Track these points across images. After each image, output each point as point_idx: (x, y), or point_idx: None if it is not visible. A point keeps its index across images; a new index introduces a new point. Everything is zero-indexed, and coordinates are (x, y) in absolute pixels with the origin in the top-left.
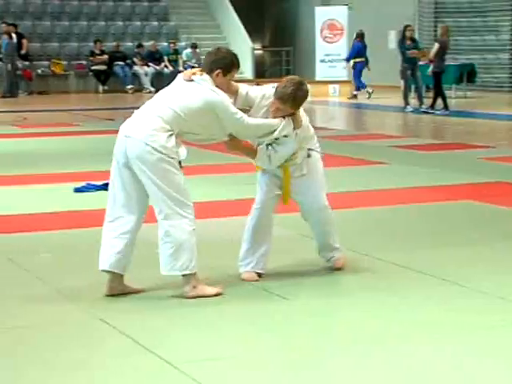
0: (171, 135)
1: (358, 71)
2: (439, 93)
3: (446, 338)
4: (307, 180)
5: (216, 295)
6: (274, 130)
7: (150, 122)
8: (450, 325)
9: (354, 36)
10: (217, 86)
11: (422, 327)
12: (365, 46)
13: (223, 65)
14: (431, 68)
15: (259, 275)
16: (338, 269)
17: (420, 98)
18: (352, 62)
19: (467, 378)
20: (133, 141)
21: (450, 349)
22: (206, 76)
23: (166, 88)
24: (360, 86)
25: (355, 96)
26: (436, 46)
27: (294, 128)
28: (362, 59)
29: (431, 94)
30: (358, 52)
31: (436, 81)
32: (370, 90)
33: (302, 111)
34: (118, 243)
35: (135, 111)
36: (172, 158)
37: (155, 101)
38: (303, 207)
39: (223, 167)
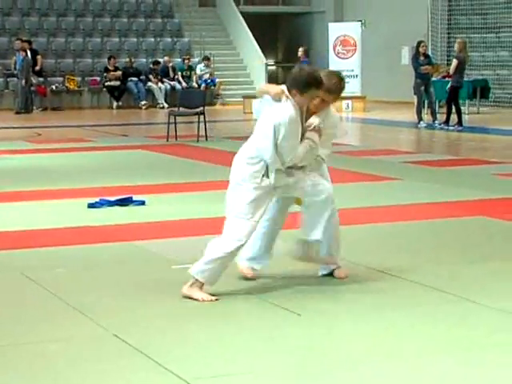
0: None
1: None
2: (456, 108)
3: (462, 356)
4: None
5: (202, 300)
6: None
7: None
8: (465, 342)
9: (301, 53)
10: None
11: (435, 343)
12: (309, 63)
13: (297, 85)
14: (450, 83)
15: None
16: (341, 278)
17: (433, 114)
18: None
19: None
20: None
21: (464, 366)
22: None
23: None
24: None
25: None
26: (455, 61)
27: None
28: None
29: (444, 110)
30: None
31: (454, 96)
32: None
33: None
34: None
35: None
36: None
37: None
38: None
39: None
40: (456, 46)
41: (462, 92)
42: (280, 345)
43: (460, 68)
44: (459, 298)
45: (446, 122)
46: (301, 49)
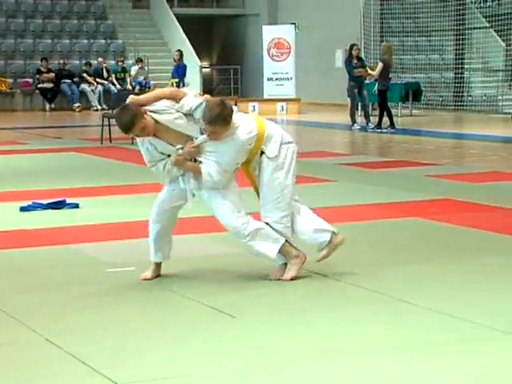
0: None
1: None
2: (385, 111)
3: (397, 356)
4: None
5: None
6: None
7: None
8: (400, 342)
9: (177, 56)
10: None
11: (369, 343)
12: (185, 67)
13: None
14: (376, 86)
15: None
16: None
17: (367, 116)
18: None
19: None
20: None
21: (398, 365)
22: None
23: None
24: None
25: None
26: (380, 65)
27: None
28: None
29: (377, 113)
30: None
31: (382, 99)
32: None
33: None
34: None
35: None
36: None
37: None
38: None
39: None
40: (381, 50)
41: (394, 94)
42: (215, 347)
43: (385, 71)
44: (392, 298)
45: (379, 124)
46: (176, 52)
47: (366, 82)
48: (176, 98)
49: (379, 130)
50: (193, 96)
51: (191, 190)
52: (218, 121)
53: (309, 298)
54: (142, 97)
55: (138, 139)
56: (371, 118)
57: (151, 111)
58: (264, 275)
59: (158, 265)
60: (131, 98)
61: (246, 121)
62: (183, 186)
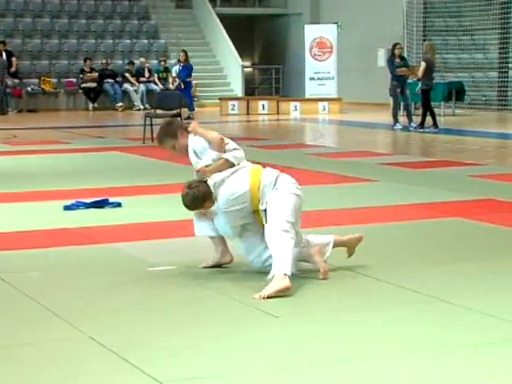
0: None
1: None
2: (428, 110)
3: (438, 356)
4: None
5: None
6: None
7: None
8: (441, 342)
9: (182, 57)
10: None
11: (409, 343)
12: (191, 68)
13: None
14: (420, 86)
15: None
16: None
17: (409, 116)
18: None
19: None
20: None
21: (439, 366)
22: None
23: None
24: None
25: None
26: (423, 64)
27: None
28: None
29: (420, 112)
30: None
31: (425, 98)
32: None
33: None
34: None
35: None
36: None
37: None
38: None
39: None
40: (424, 49)
41: (437, 94)
42: (255, 347)
43: (428, 71)
44: (432, 298)
45: (421, 124)
46: (182, 53)
47: (409, 81)
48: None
49: (422, 130)
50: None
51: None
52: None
53: (350, 297)
54: (210, 168)
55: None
56: (413, 117)
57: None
58: (303, 276)
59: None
60: (201, 169)
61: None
62: None
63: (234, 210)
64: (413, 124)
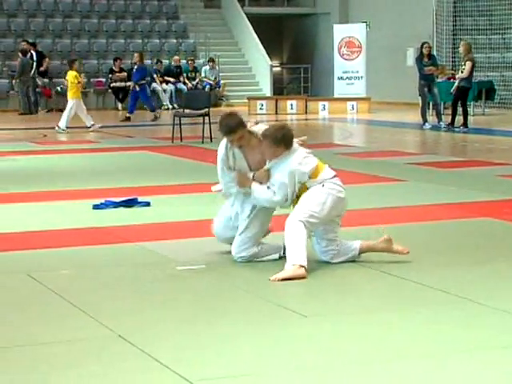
0: None
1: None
2: (463, 109)
3: (469, 357)
4: None
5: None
6: None
7: None
8: (472, 343)
9: (136, 58)
10: None
11: (440, 344)
12: (145, 69)
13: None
14: (457, 84)
15: None
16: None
17: (438, 115)
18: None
19: None
20: None
21: (470, 367)
22: None
23: None
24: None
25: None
26: (469, 63)
27: None
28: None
29: (449, 112)
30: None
31: (465, 97)
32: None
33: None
34: None
35: None
36: None
37: None
38: None
39: None
40: (463, 48)
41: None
42: (284, 346)
43: (473, 69)
44: (464, 300)
45: (452, 123)
46: (136, 54)
47: (438, 80)
48: None
49: (452, 129)
50: None
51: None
52: (281, 142)
53: (379, 298)
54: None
55: (224, 144)
56: (443, 116)
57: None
58: (335, 276)
59: None
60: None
61: (303, 155)
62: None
63: (295, 182)
64: (442, 123)
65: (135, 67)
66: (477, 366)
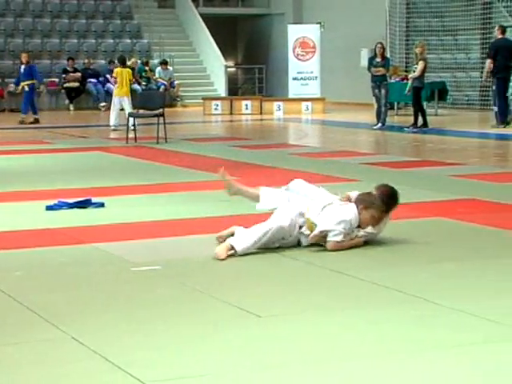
0: None
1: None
2: (419, 109)
3: (421, 356)
4: None
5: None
6: None
7: None
8: (424, 342)
9: (26, 59)
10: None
11: (394, 343)
12: (35, 68)
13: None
14: (410, 85)
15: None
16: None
17: (378, 116)
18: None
19: None
20: None
21: (423, 366)
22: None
23: None
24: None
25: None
26: (421, 63)
27: None
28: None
29: (405, 112)
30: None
31: (417, 97)
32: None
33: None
34: None
35: None
36: None
37: None
38: None
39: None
40: (418, 49)
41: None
42: (239, 347)
43: (425, 70)
44: (418, 299)
45: (415, 124)
46: (24, 54)
47: (391, 80)
48: None
49: (411, 130)
50: None
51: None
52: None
53: (333, 297)
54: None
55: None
56: (396, 117)
57: None
58: (291, 276)
59: None
60: None
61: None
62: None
63: None
64: (379, 124)
65: (23, 67)
66: (427, 366)
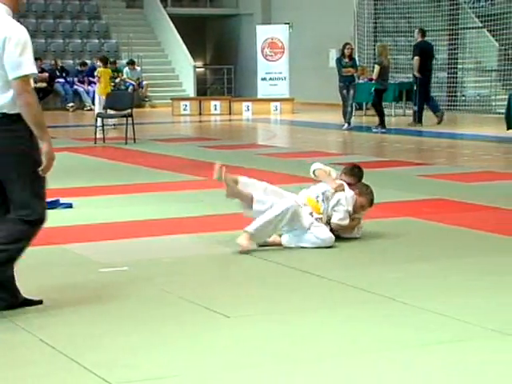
0: None
1: None
2: (378, 110)
3: (389, 355)
4: None
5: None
6: None
7: None
8: (392, 341)
9: None
10: None
11: (363, 343)
12: None
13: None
14: (375, 87)
15: None
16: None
17: (345, 116)
18: None
19: None
20: None
21: (392, 365)
22: None
23: None
24: None
25: None
26: (376, 67)
27: None
28: None
29: (372, 112)
30: None
31: (377, 98)
32: None
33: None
34: None
35: None
36: None
37: None
38: None
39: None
40: (377, 51)
41: (388, 94)
42: (208, 347)
43: (382, 72)
44: (384, 298)
45: (381, 124)
46: None
47: (360, 81)
48: None
49: (377, 130)
50: None
51: None
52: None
53: (302, 297)
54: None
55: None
56: (353, 118)
57: None
58: (259, 276)
59: None
60: None
61: None
62: None
63: None
64: (346, 125)
65: None
66: (393, 365)
